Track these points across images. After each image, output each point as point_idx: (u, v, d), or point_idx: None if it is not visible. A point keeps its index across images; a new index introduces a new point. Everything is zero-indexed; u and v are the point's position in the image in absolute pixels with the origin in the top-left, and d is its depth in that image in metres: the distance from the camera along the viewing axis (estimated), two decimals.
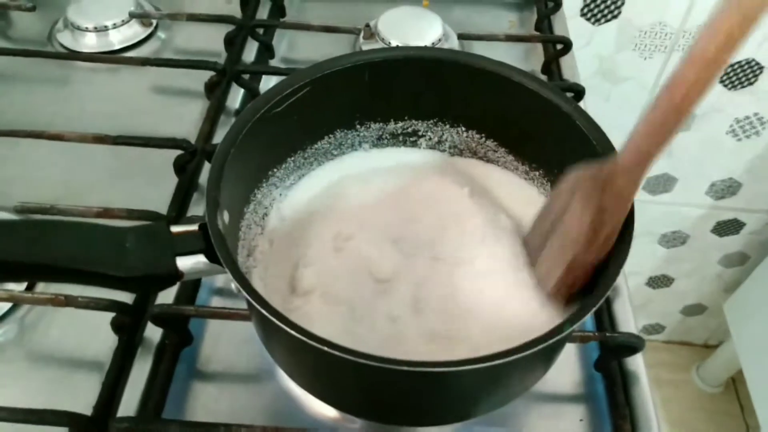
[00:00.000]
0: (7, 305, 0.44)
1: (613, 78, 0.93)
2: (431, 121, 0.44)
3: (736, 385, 1.35)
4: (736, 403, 1.34)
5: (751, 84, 0.93)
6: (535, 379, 0.35)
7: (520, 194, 0.42)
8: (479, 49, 0.64)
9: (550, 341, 0.28)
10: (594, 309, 0.29)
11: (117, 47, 0.63)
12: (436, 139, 0.45)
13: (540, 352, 0.28)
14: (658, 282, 1.28)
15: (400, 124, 0.44)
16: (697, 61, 0.27)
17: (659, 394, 1.33)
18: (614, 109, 0.97)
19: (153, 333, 0.41)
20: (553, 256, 0.34)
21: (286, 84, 0.38)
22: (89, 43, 0.63)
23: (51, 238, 0.29)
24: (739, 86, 0.93)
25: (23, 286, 0.44)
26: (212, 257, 0.30)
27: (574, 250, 0.32)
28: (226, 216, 0.33)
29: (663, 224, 1.15)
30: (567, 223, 0.34)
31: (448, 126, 0.44)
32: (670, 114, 0.29)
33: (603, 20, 0.86)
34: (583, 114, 0.36)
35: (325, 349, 0.27)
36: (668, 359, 1.39)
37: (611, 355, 0.41)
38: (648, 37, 0.88)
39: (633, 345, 0.39)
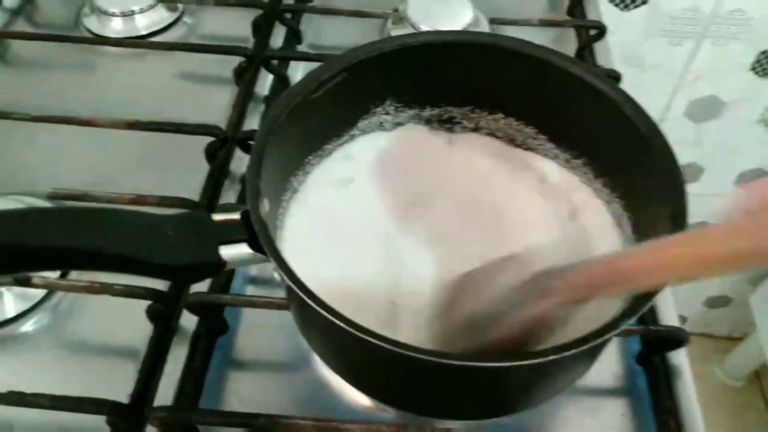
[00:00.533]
0: (41, 293, 0.43)
1: (640, 64, 0.91)
2: (467, 108, 0.43)
3: (760, 379, 1.33)
4: (760, 396, 1.32)
5: None
6: (580, 373, 0.35)
7: (561, 182, 0.41)
8: (510, 33, 0.63)
9: (605, 337, 0.27)
10: (650, 303, 0.28)
11: (143, 32, 0.63)
12: (472, 126, 0.44)
13: (581, 353, 0.27)
14: None
15: (436, 110, 0.43)
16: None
17: None
18: (642, 96, 0.95)
19: (188, 322, 0.41)
20: None
21: (323, 69, 0.37)
22: (116, 27, 0.63)
23: (94, 226, 0.29)
24: None
25: (58, 273, 0.44)
26: (255, 246, 0.30)
27: None
28: (266, 204, 0.33)
29: (690, 215, 1.13)
30: None
31: (486, 113, 0.43)
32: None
33: (632, 6, 0.84)
34: (631, 101, 0.35)
35: (373, 341, 0.26)
36: (690, 352, 1.37)
37: (654, 349, 0.40)
38: (678, 23, 0.86)
39: (678, 338, 0.38)
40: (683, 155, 1.03)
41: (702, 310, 1.35)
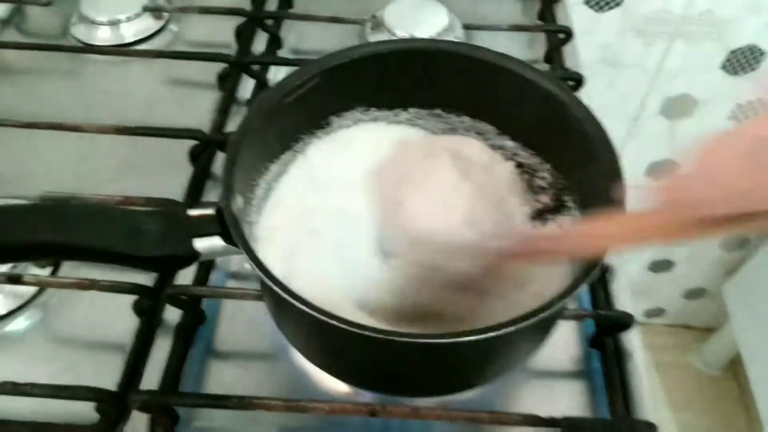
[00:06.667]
0: (32, 290, 0.46)
1: (615, 64, 0.94)
2: (435, 111, 0.46)
3: (735, 367, 1.36)
4: (736, 385, 1.36)
5: (753, 69, 0.94)
6: (533, 349, 0.37)
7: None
8: (484, 38, 0.66)
9: (540, 316, 0.29)
10: (578, 288, 0.30)
11: (130, 40, 0.65)
12: (444, 127, 0.46)
13: (532, 327, 0.29)
14: (660, 266, 1.29)
15: (404, 113, 0.46)
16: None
17: (660, 377, 1.35)
18: (616, 95, 0.98)
19: (172, 315, 0.44)
20: None
21: (296, 75, 0.40)
22: (103, 36, 0.65)
23: (75, 220, 0.31)
24: (741, 72, 0.94)
25: (48, 271, 0.46)
26: (227, 239, 0.33)
27: None
28: (240, 201, 0.35)
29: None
30: None
31: (452, 116, 0.45)
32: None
33: (606, 8, 0.87)
34: (578, 102, 0.38)
35: (333, 322, 0.29)
36: (670, 342, 1.41)
37: (605, 332, 0.43)
38: (651, 23, 0.89)
39: (623, 321, 0.41)
40: (659, 152, 1.07)
41: (680, 302, 1.38)
